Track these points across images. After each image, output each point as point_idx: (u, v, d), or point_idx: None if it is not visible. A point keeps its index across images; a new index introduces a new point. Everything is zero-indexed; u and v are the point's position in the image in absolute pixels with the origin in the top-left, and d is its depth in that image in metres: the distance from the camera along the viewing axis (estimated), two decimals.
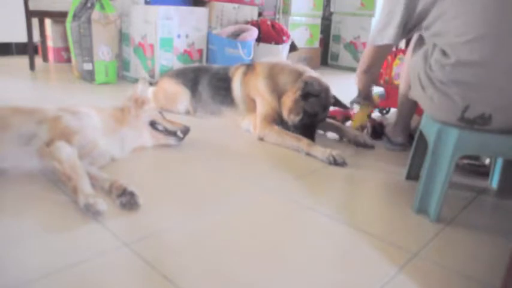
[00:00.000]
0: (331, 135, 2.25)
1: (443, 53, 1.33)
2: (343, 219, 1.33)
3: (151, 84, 2.62)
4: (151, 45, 3.14)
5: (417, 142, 1.62)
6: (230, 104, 2.29)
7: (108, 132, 1.61)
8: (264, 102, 2.15)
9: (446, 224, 1.34)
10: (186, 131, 1.86)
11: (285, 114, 2.08)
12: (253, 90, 2.20)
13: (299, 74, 2.12)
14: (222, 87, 2.32)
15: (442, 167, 1.33)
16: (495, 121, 1.26)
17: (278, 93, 2.13)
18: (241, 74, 2.27)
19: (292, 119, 2.05)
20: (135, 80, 3.16)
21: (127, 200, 1.28)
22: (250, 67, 2.28)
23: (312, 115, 2.03)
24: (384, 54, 1.82)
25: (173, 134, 1.85)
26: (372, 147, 2.04)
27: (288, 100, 2.06)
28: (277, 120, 2.13)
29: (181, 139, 1.87)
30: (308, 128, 2.04)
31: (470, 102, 1.27)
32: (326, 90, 2.06)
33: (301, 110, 2.02)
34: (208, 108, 2.39)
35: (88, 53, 3.13)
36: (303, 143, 1.92)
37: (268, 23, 3.67)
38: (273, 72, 2.17)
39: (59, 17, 3.59)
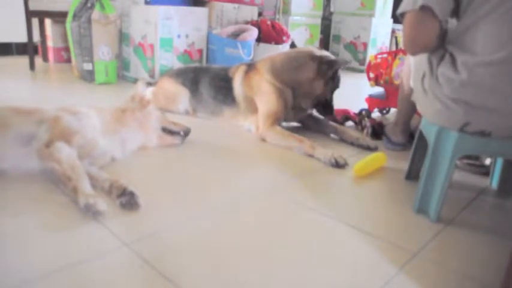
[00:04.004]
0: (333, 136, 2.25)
1: (453, 65, 1.27)
2: (343, 219, 1.33)
3: (150, 84, 2.62)
4: (151, 45, 3.15)
5: (417, 142, 1.62)
6: (231, 103, 2.29)
7: (108, 133, 1.61)
8: (266, 100, 2.14)
9: (446, 224, 1.34)
10: (187, 131, 1.89)
11: (308, 92, 2.16)
12: (255, 88, 2.20)
13: (307, 56, 2.15)
14: (223, 87, 2.32)
15: (442, 167, 1.33)
16: (495, 135, 1.26)
17: (286, 81, 2.14)
18: (242, 73, 2.27)
19: (320, 99, 2.18)
20: (135, 80, 3.16)
21: (127, 200, 1.28)
22: (251, 66, 2.28)
23: (335, 88, 2.19)
24: (426, 25, 1.26)
25: (177, 134, 1.87)
26: (374, 148, 2.02)
27: (317, 86, 2.13)
28: (281, 118, 2.15)
29: (184, 139, 1.89)
30: (328, 104, 2.20)
31: (471, 121, 1.25)
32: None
33: (329, 91, 2.15)
34: (209, 108, 2.39)
35: (88, 53, 3.13)
36: (305, 144, 1.91)
37: (268, 23, 3.67)
38: (277, 62, 2.19)
39: (59, 17, 3.59)
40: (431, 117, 1.38)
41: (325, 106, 2.23)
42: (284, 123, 2.24)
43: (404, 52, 2.34)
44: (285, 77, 2.14)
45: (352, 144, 2.10)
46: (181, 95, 2.44)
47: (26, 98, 2.71)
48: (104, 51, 3.15)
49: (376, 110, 2.65)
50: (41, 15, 3.67)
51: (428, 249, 1.19)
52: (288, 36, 3.72)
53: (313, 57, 2.12)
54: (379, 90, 2.60)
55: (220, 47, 3.33)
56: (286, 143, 1.99)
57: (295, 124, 2.37)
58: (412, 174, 1.67)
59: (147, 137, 1.78)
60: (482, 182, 1.73)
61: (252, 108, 2.21)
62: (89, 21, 3.06)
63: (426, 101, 1.38)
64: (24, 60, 3.71)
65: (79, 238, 1.12)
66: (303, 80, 2.13)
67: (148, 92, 1.91)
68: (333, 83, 2.17)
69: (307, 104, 2.22)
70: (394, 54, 2.44)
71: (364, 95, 2.67)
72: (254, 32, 3.44)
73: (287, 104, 2.17)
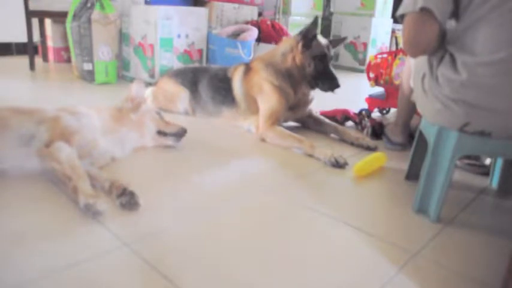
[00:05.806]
0: (333, 136, 2.25)
1: (453, 65, 1.27)
2: (343, 219, 1.33)
3: (150, 84, 2.63)
4: (151, 45, 3.15)
5: (417, 142, 1.62)
6: (230, 104, 2.29)
7: (108, 132, 1.61)
8: (267, 99, 2.14)
9: (446, 224, 1.34)
10: (183, 132, 1.84)
11: (300, 72, 2.15)
12: (255, 88, 2.20)
13: (287, 40, 2.24)
14: (222, 88, 2.32)
15: (442, 167, 1.33)
16: (495, 136, 1.26)
17: (282, 72, 2.16)
18: (241, 73, 2.28)
19: (309, 72, 2.14)
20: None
21: (127, 200, 1.28)
22: (248, 66, 2.30)
23: (323, 56, 2.13)
24: (426, 27, 1.25)
25: (171, 135, 1.83)
26: (374, 148, 2.03)
27: (297, 58, 2.14)
28: (281, 118, 2.14)
29: (178, 140, 1.85)
30: (325, 73, 2.14)
31: (471, 121, 1.25)
32: (316, 29, 2.19)
33: (311, 60, 2.12)
34: (207, 108, 2.39)
35: (88, 53, 3.14)
36: (305, 144, 1.91)
37: (268, 23, 3.68)
38: (267, 58, 2.23)
39: (59, 17, 3.59)
40: (431, 117, 1.38)
41: (325, 77, 2.14)
42: (284, 124, 2.24)
43: (404, 52, 2.34)
44: (279, 68, 2.16)
45: (352, 144, 2.10)
46: (181, 95, 2.44)
47: (26, 98, 2.71)
48: (104, 51, 3.15)
49: (376, 110, 2.65)
50: (41, 15, 3.67)
51: (428, 249, 1.19)
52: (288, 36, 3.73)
53: (292, 40, 2.23)
54: (379, 90, 2.60)
55: (220, 47, 3.33)
56: (286, 143, 1.99)
57: (295, 124, 2.37)
58: (412, 174, 1.67)
59: (143, 138, 1.77)
60: (482, 182, 1.73)
61: (253, 109, 2.21)
62: (89, 21, 3.06)
63: (426, 101, 1.38)
64: (24, 60, 3.71)
65: (79, 238, 1.12)
66: (290, 62, 2.16)
67: (147, 92, 1.91)
68: (312, 50, 2.12)
69: (308, 87, 2.21)
70: (394, 54, 2.44)
71: (364, 95, 2.67)
72: (254, 32, 3.44)
73: (289, 101, 2.17)
